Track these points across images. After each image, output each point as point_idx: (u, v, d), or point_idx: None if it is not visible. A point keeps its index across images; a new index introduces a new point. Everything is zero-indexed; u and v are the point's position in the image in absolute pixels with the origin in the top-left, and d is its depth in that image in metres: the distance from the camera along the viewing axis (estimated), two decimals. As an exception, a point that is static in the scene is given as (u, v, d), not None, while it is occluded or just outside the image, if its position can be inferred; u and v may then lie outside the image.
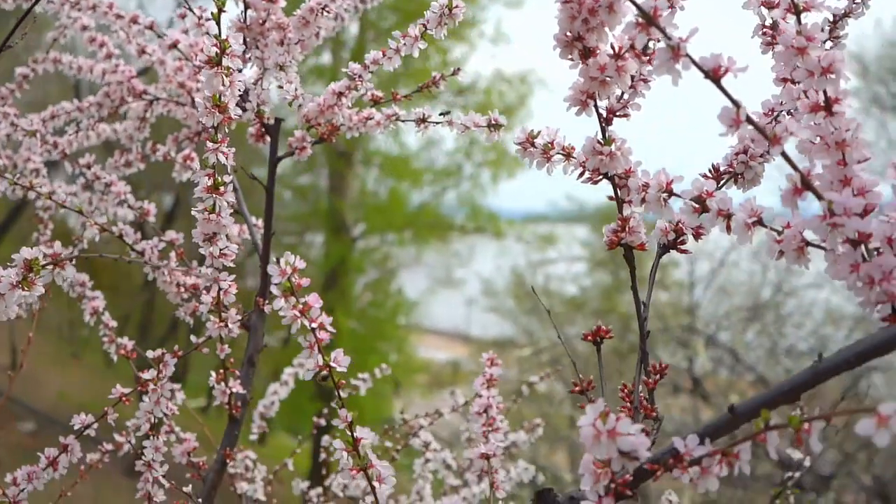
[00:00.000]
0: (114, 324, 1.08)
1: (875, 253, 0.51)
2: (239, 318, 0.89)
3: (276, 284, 0.60)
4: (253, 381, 1.01)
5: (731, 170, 0.67)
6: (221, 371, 0.94)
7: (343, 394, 0.64)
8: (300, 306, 0.61)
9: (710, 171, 0.68)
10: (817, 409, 0.54)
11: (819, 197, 0.50)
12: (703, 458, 0.50)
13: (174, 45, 1.03)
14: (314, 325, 0.61)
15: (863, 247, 0.51)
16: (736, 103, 0.49)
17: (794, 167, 0.50)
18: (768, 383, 6.46)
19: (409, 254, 12.12)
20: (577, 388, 0.62)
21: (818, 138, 0.53)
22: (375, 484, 0.63)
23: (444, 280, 12.28)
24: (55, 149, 1.12)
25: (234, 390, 0.95)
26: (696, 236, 0.66)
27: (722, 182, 0.67)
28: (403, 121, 0.94)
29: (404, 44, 0.87)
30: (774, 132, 0.49)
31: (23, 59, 1.33)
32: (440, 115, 0.92)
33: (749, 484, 6.16)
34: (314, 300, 0.61)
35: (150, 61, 1.13)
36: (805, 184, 0.50)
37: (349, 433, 0.63)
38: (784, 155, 0.50)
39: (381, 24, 9.41)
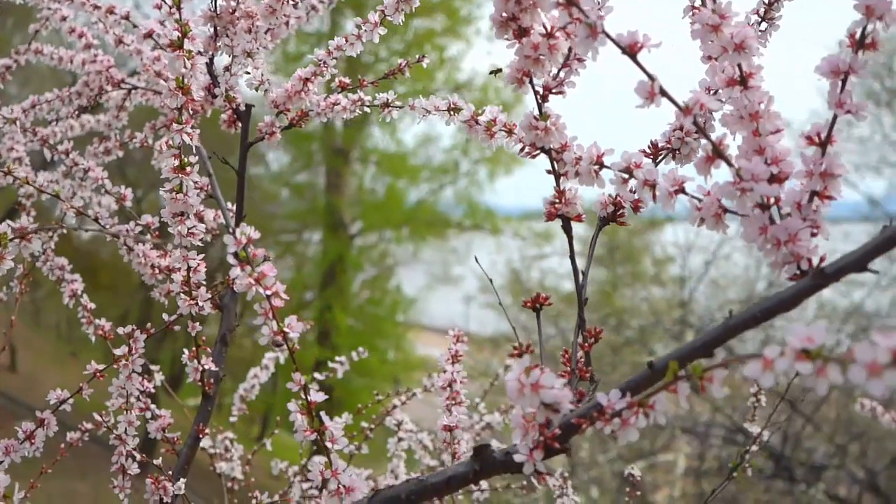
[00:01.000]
0: (92, 306, 1.11)
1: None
2: (209, 296, 0.92)
3: (231, 254, 0.63)
4: (225, 360, 1.04)
5: (668, 146, 0.70)
6: (194, 349, 0.97)
7: (289, 357, 0.67)
8: (255, 275, 0.64)
9: (648, 146, 0.71)
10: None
11: (729, 164, 0.53)
12: (623, 411, 0.53)
13: (149, 35, 1.06)
14: (269, 292, 0.64)
15: (775, 211, 0.55)
16: (651, 77, 0.53)
17: (707, 137, 0.54)
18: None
19: (406, 251, 12.16)
20: (516, 353, 0.66)
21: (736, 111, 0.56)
22: (328, 444, 0.66)
23: (442, 277, 12.32)
24: (35, 136, 1.15)
25: (206, 367, 0.98)
26: (635, 209, 0.69)
27: (660, 157, 0.71)
28: (369, 106, 0.98)
29: (365, 30, 0.91)
30: (686, 104, 0.52)
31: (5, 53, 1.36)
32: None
33: (745, 478, 6.19)
34: (269, 269, 0.65)
35: (127, 51, 1.16)
36: (717, 152, 0.53)
37: (304, 396, 0.67)
38: (697, 126, 0.53)
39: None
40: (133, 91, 1.20)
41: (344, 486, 0.65)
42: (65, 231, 0.94)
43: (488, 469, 0.59)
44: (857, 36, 0.53)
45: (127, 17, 1.11)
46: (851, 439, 6.00)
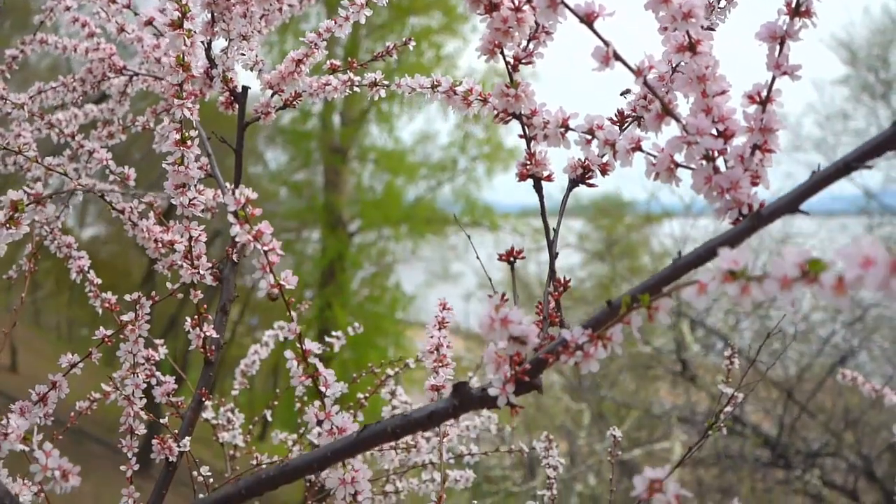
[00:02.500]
0: (99, 281, 1.17)
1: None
2: (210, 265, 0.98)
3: (231, 213, 0.69)
4: (225, 329, 1.10)
5: (633, 113, 0.76)
6: (196, 317, 1.03)
7: (293, 313, 0.73)
8: (254, 232, 0.70)
9: (615, 114, 0.77)
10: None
11: (678, 120, 0.59)
12: (585, 344, 0.59)
13: (149, 22, 1.12)
14: (266, 248, 0.70)
15: (721, 163, 0.61)
16: (606, 43, 0.59)
17: (657, 96, 0.59)
18: (756, 364, 6.56)
19: (405, 248, 12.22)
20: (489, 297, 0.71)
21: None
22: (322, 388, 0.72)
23: (441, 274, 12.37)
24: (42, 120, 1.21)
25: (207, 334, 1.04)
26: (603, 172, 0.75)
27: (626, 124, 0.76)
28: (358, 85, 1.04)
29: (352, 11, 0.96)
30: (638, 66, 0.58)
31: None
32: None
33: (741, 466, 6.28)
34: (266, 227, 0.70)
35: (128, 38, 1.22)
36: (665, 110, 0.59)
37: (298, 345, 0.73)
38: (647, 85, 0.59)
39: (374, 20, 9.49)
40: (134, 77, 1.26)
41: (336, 427, 0.71)
42: (79, 198, 0.99)
43: (466, 404, 0.65)
44: (793, 5, 0.59)
45: (128, 6, 1.17)
46: (846, 427, 6.06)
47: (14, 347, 8.64)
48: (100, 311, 1.15)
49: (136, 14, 1.15)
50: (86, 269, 1.19)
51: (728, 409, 1.11)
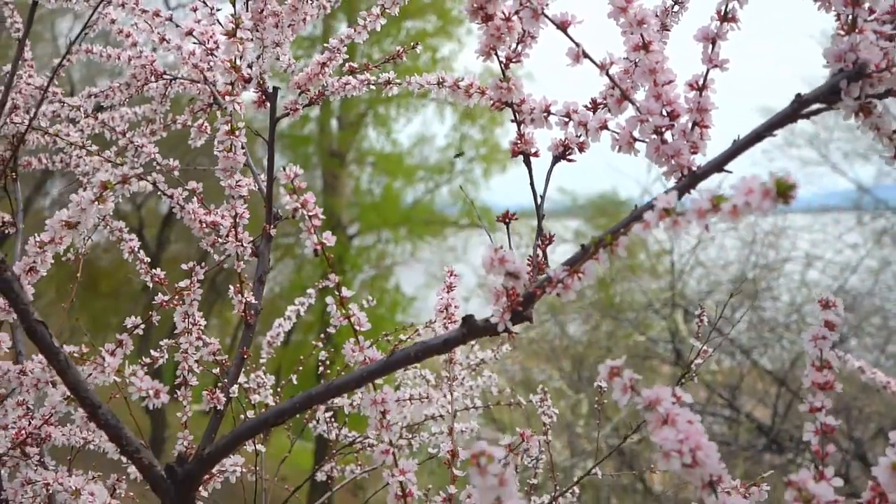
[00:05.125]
0: (148, 259, 1.34)
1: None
2: (251, 239, 1.15)
3: (283, 185, 0.86)
4: (262, 297, 1.27)
5: (604, 101, 0.93)
6: (238, 285, 1.20)
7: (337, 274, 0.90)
8: (301, 200, 0.87)
9: (590, 101, 0.94)
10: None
11: (633, 104, 0.76)
12: (564, 279, 0.76)
13: (189, 33, 1.29)
14: (310, 213, 0.87)
15: (669, 137, 0.78)
16: (577, 44, 0.76)
17: (616, 85, 0.77)
18: (750, 354, 6.76)
19: (404, 250, 12.37)
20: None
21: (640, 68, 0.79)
22: (357, 327, 0.89)
23: (440, 275, 12.51)
24: (95, 119, 1.38)
25: (248, 300, 1.21)
26: (580, 149, 0.92)
27: (598, 109, 0.93)
28: (375, 84, 1.21)
29: (369, 21, 1.14)
30: (602, 62, 0.76)
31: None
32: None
33: (736, 452, 6.45)
34: (310, 197, 0.88)
35: (168, 48, 1.39)
36: (624, 96, 0.76)
37: (337, 292, 0.90)
38: (609, 77, 0.76)
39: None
40: (173, 81, 1.43)
41: (368, 357, 0.88)
42: (151, 182, 1.16)
43: (473, 332, 0.82)
44: (722, 12, 0.77)
45: (170, 19, 1.34)
46: (838, 412, 6.24)
47: (18, 351, 8.79)
48: (150, 285, 1.32)
49: (177, 26, 1.32)
50: (136, 249, 1.36)
51: (698, 360, 1.28)
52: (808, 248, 8.18)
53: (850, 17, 0.68)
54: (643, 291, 7.68)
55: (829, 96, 0.69)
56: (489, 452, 0.59)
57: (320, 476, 1.66)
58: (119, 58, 1.46)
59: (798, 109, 0.70)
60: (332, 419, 1.69)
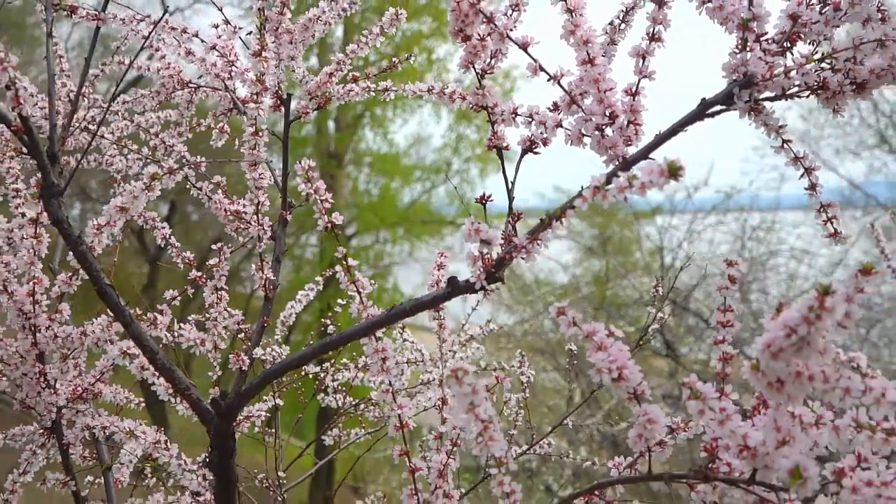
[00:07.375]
0: (178, 245, 1.55)
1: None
2: (271, 223, 1.35)
3: (298, 175, 1.06)
4: (279, 277, 1.47)
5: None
6: (259, 263, 1.40)
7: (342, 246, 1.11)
8: (314, 187, 1.07)
9: (552, 104, 1.14)
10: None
11: (579, 106, 0.97)
12: (527, 245, 0.96)
13: (213, 47, 1.49)
14: (322, 198, 1.08)
15: (609, 131, 0.98)
16: (535, 60, 0.96)
17: (567, 92, 0.97)
18: (739, 346, 6.96)
19: (402, 250, 12.56)
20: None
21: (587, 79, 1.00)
22: (361, 290, 1.09)
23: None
24: (132, 123, 1.59)
25: (268, 277, 1.41)
26: (544, 144, 1.13)
27: (556, 112, 1.14)
28: (375, 91, 1.41)
29: (370, 38, 1.34)
30: (556, 73, 0.96)
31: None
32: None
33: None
34: (321, 184, 1.08)
35: (192, 60, 1.59)
36: (572, 100, 0.97)
37: (345, 262, 1.10)
38: (560, 86, 0.97)
39: (366, 25, 9.84)
40: (198, 89, 1.63)
41: (370, 314, 1.08)
42: (184, 175, 1.36)
43: (456, 290, 1.02)
44: (651, 34, 0.97)
45: (196, 35, 1.54)
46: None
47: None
48: (181, 266, 1.52)
49: (202, 41, 1.52)
50: (168, 236, 1.56)
51: (654, 326, 1.48)
52: (798, 244, 8.40)
53: (742, 38, 0.89)
54: (635, 287, 7.89)
55: (726, 100, 0.89)
56: (465, 368, 0.79)
57: (327, 440, 1.86)
58: (149, 69, 1.67)
59: (703, 110, 0.90)
60: (339, 390, 1.89)
